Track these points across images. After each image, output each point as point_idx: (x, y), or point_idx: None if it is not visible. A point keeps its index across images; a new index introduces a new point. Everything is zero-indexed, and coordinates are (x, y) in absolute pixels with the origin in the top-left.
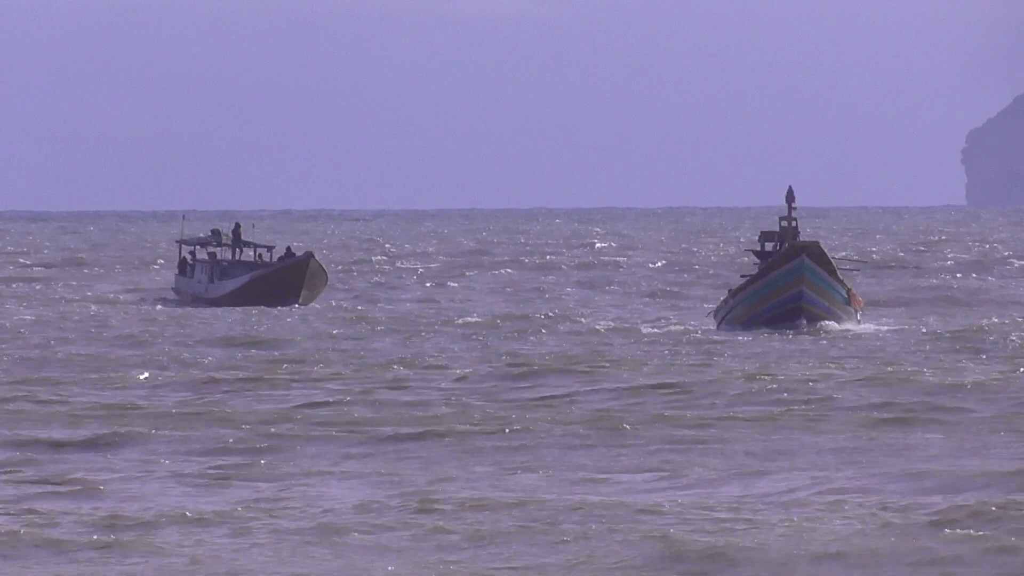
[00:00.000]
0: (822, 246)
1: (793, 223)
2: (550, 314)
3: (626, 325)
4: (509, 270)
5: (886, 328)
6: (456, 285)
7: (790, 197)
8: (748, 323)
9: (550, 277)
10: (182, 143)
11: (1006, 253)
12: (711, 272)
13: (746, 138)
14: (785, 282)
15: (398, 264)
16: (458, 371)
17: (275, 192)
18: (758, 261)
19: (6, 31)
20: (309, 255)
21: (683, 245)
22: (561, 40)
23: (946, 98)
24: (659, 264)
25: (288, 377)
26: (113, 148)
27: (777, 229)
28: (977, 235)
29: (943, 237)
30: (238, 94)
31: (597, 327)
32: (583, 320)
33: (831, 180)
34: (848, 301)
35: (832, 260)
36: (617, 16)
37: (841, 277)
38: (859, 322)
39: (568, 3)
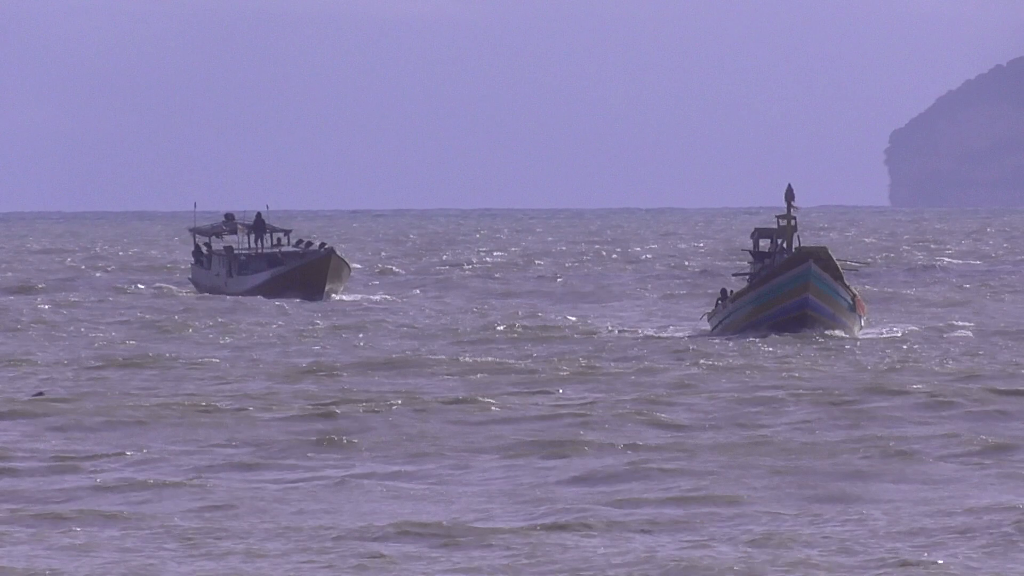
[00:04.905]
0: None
1: (792, 221)
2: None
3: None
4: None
5: (890, 333)
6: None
7: (789, 195)
8: (748, 329)
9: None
10: (182, 147)
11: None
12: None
13: (657, 142)
14: (790, 288)
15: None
16: None
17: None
18: (752, 260)
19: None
20: (331, 251)
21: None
22: (546, 39)
23: (869, 98)
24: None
25: None
26: (115, 152)
27: (766, 227)
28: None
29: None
30: (232, 101)
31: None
32: None
33: (753, 180)
34: (853, 307)
35: (838, 265)
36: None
37: (847, 283)
38: (862, 327)
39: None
